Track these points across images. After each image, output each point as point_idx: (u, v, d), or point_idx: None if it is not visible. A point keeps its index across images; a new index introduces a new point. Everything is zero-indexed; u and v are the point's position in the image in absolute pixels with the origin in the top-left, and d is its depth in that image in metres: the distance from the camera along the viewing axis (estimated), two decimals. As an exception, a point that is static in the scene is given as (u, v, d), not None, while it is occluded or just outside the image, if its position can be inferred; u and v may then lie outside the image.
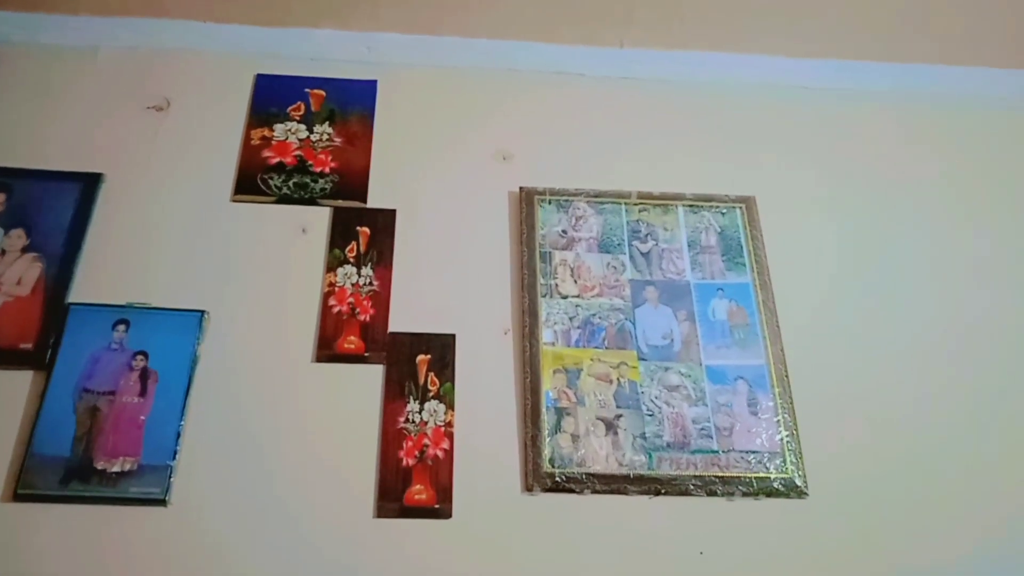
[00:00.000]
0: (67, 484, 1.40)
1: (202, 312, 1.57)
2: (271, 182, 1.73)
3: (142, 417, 1.47)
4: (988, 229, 1.82)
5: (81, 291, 1.58)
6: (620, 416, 1.54)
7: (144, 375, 1.50)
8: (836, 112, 1.95)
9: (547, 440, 1.51)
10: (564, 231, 1.72)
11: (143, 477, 1.42)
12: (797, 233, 1.78)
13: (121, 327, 1.54)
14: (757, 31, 1.91)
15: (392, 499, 1.44)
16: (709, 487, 1.49)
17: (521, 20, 1.87)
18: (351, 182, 1.75)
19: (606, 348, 1.61)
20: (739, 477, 1.50)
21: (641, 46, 1.93)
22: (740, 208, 1.78)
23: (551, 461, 1.49)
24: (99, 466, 1.42)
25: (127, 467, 1.43)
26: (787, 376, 1.60)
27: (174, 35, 1.87)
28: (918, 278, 1.75)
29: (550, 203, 1.75)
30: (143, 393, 1.49)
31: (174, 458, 1.44)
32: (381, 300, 1.62)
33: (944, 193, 1.87)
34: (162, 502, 1.41)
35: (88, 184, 1.67)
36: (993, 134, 1.95)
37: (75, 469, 1.42)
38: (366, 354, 1.57)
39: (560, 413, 1.54)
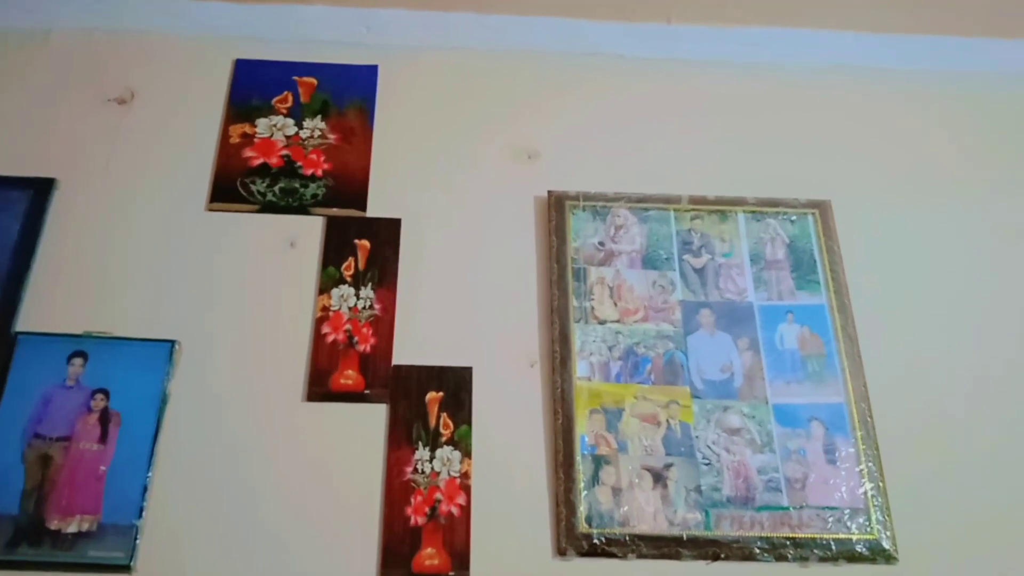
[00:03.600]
0: (15, 547, 1.42)
1: (172, 342, 1.58)
2: (253, 187, 1.75)
3: (102, 468, 1.48)
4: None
5: (30, 318, 1.60)
6: (670, 465, 1.54)
7: (105, 418, 1.52)
8: (930, 98, 1.95)
9: (583, 494, 1.51)
10: (601, 243, 1.73)
11: (104, 539, 1.43)
12: (882, 244, 1.78)
13: (77, 361, 1.55)
14: (829, 1, 1.91)
15: (398, 565, 1.45)
16: (778, 551, 1.48)
17: (547, -9, 1.90)
18: (348, 187, 1.76)
19: (653, 384, 1.61)
20: (814, 539, 1.49)
21: (692, 22, 1.94)
22: (813, 215, 1.78)
23: (588, 520, 1.49)
24: (52, 526, 1.44)
25: (85, 527, 1.44)
26: (871, 417, 1.59)
27: (139, 14, 1.90)
28: (1029, 299, 1.75)
29: (584, 210, 1.76)
30: (103, 439, 1.50)
31: (140, 516, 1.45)
32: (384, 327, 1.63)
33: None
34: (126, 568, 1.42)
35: (38, 191, 1.69)
36: None
37: (24, 530, 1.43)
38: (366, 391, 1.58)
39: (598, 462, 1.54)
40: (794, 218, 1.78)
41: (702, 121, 1.89)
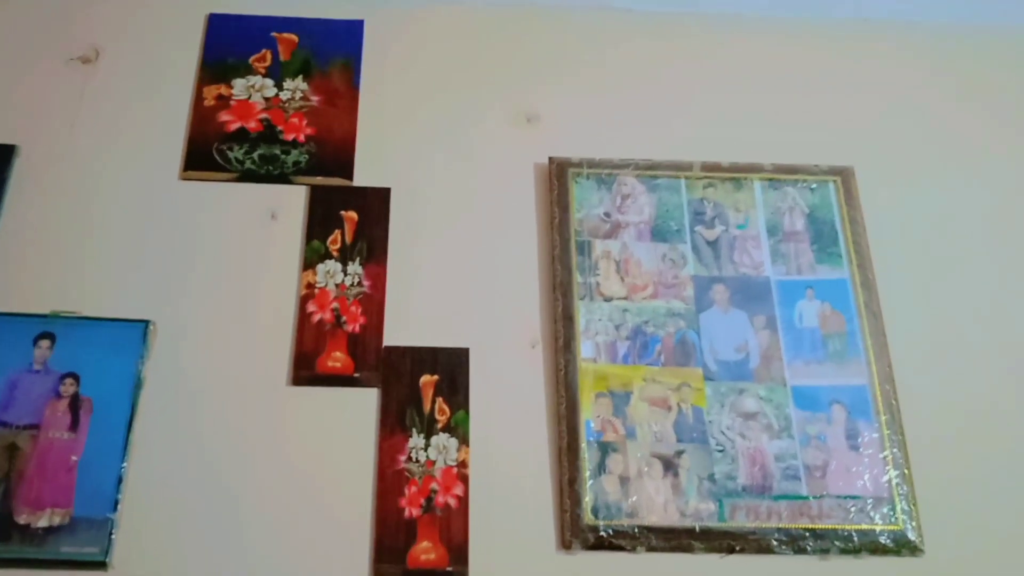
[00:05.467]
0: (-18, 543, 1.44)
1: (146, 322, 1.59)
2: (230, 154, 1.76)
3: (74, 458, 1.50)
4: None
5: (-8, 297, 1.61)
6: (682, 452, 1.56)
7: (75, 404, 1.53)
8: (963, 54, 1.96)
9: (588, 484, 1.53)
10: (607, 214, 1.74)
11: (77, 533, 1.45)
12: (909, 214, 1.79)
13: (44, 343, 1.57)
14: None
15: (392, 560, 1.47)
16: (797, 542, 1.50)
17: (547, -63, 1.90)
18: (332, 153, 1.77)
19: (663, 365, 1.63)
20: (836, 530, 1.52)
21: (706, -29, 1.95)
22: (834, 182, 1.79)
23: (594, 511, 1.51)
24: (21, 520, 1.45)
25: (56, 521, 1.46)
26: (896, 400, 1.61)
27: (103, -36, 1.90)
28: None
29: (588, 178, 1.77)
30: (74, 427, 1.52)
31: (115, 509, 1.46)
32: (373, 305, 1.65)
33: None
34: (102, 565, 1.44)
35: (-3, 159, 1.70)
36: None
37: (-9, 524, 1.45)
38: (355, 374, 1.59)
39: (605, 449, 1.56)
40: (814, 186, 1.79)
41: (716, 81, 1.90)
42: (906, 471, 1.57)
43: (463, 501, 1.51)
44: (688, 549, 1.50)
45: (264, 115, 1.80)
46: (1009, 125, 1.91)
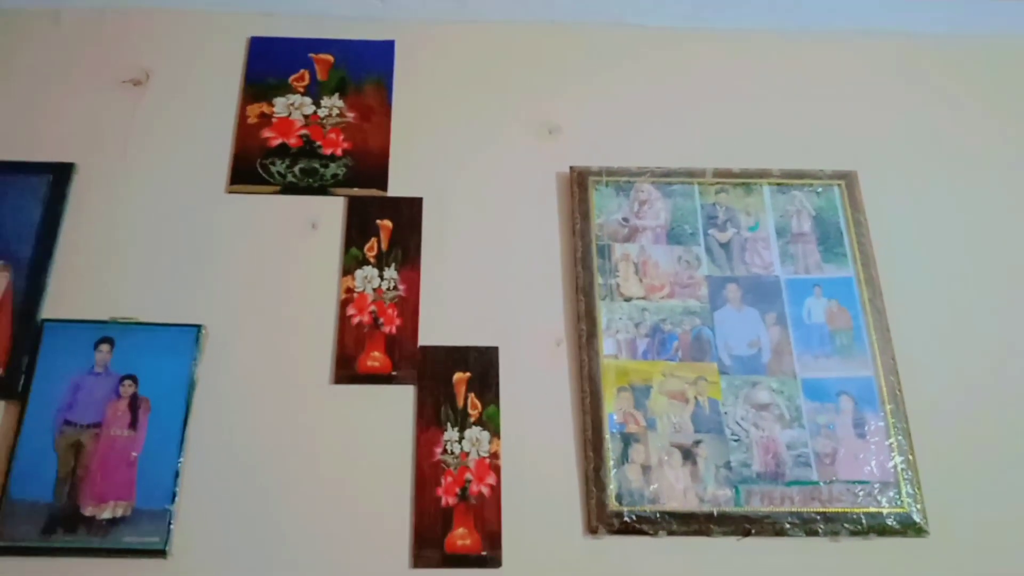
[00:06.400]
0: (50, 534, 1.44)
1: (199, 327, 1.59)
2: (273, 168, 1.75)
3: (134, 454, 1.50)
4: None
5: (56, 305, 1.61)
6: (699, 442, 1.56)
7: (134, 403, 1.53)
8: (961, 63, 1.94)
9: (612, 473, 1.52)
10: (625, 219, 1.73)
11: (138, 524, 1.45)
12: (910, 215, 1.78)
13: (105, 347, 1.57)
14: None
15: (431, 546, 1.47)
16: (809, 525, 1.50)
17: (566, -40, 1.89)
18: (368, 166, 1.76)
19: (680, 360, 1.62)
20: (845, 513, 1.51)
21: (716, -11, 1.93)
22: (839, 186, 1.77)
23: (618, 498, 1.51)
24: (87, 512, 1.46)
25: (119, 513, 1.46)
26: (900, 390, 1.60)
27: (149, -9, 1.90)
28: (1060, 268, 1.75)
29: (607, 185, 1.76)
30: (134, 425, 1.52)
31: (173, 501, 1.47)
32: (408, 308, 1.64)
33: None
34: (161, 553, 1.44)
35: (58, 176, 1.70)
36: None
37: (59, 516, 1.45)
38: (393, 373, 1.59)
39: (627, 440, 1.55)
40: (820, 190, 1.78)
41: (726, 92, 1.89)
42: (910, 457, 1.56)
43: (496, 490, 1.51)
44: (707, 533, 1.50)
45: (304, 131, 1.79)
46: (1000, 130, 1.89)
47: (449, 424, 1.55)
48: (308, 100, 1.82)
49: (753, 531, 1.50)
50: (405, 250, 1.69)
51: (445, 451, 1.53)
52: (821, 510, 1.51)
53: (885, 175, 1.80)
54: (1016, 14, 1.94)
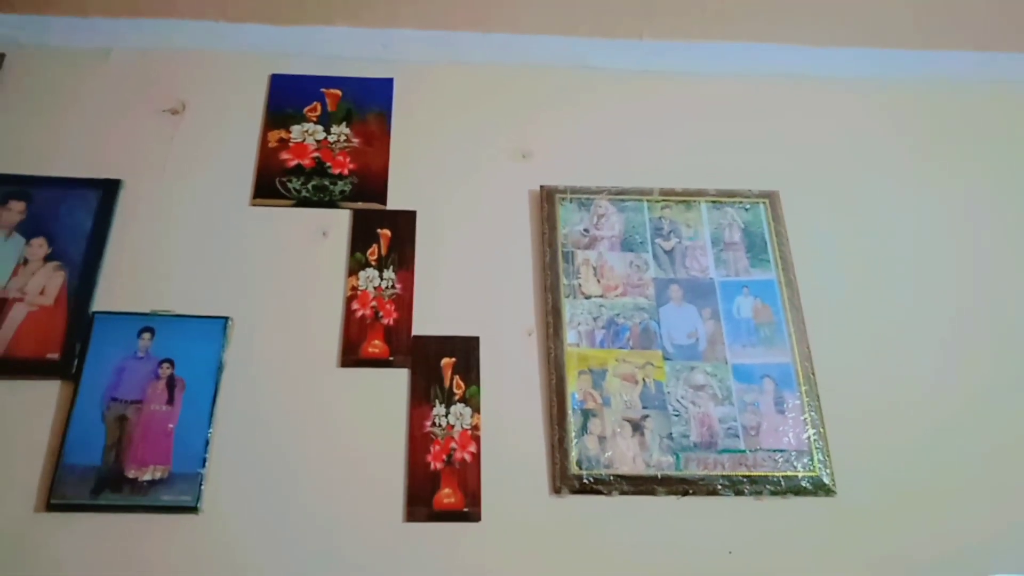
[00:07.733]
0: (99, 493, 1.46)
1: (226, 319, 1.62)
2: (290, 185, 1.78)
3: (170, 425, 1.52)
4: (1026, 221, 1.85)
5: (104, 299, 1.63)
6: (647, 417, 1.59)
7: (171, 383, 1.56)
8: (862, 103, 1.98)
9: (574, 442, 1.55)
10: (586, 230, 1.76)
11: (174, 485, 1.48)
12: (822, 228, 1.81)
13: (146, 335, 1.60)
14: (780, 20, 1.93)
15: (421, 503, 1.50)
16: (737, 487, 1.53)
17: (538, 13, 1.90)
18: (370, 184, 1.79)
19: (631, 348, 1.65)
20: (767, 476, 1.54)
21: (662, 38, 1.96)
22: (764, 203, 1.81)
23: (578, 463, 1.54)
24: (130, 475, 1.48)
25: (158, 475, 1.48)
26: (813, 374, 1.64)
27: (187, 36, 1.92)
28: (947, 272, 1.78)
29: (571, 201, 1.78)
30: (170, 401, 1.54)
31: (204, 466, 1.49)
32: (404, 303, 1.67)
33: (978, 186, 1.89)
34: (194, 510, 1.46)
35: (107, 191, 1.72)
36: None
37: (106, 478, 1.47)
38: (391, 358, 1.61)
39: (586, 415, 1.58)
40: (748, 207, 1.81)
41: (670, 124, 1.91)
42: (822, 430, 1.60)
43: (476, 457, 1.54)
44: (652, 492, 1.53)
45: (316, 154, 1.81)
46: (902, 155, 1.93)
47: (437, 401, 1.58)
48: (320, 128, 1.84)
49: (691, 491, 1.53)
50: (401, 255, 1.71)
51: (434, 424, 1.56)
52: (747, 474, 1.55)
53: (802, 195, 1.83)
54: (912, 60, 2.01)
